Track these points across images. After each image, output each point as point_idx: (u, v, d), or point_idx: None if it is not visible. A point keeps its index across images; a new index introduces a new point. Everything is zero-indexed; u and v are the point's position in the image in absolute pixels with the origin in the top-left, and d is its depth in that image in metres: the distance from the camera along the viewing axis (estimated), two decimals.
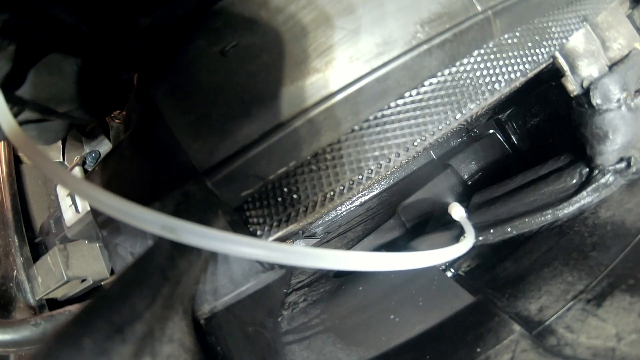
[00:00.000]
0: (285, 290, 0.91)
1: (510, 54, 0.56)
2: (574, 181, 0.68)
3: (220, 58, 0.49)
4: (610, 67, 0.62)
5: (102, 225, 0.51)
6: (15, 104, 0.55)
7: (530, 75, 0.58)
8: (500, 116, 1.01)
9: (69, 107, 0.60)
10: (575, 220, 0.64)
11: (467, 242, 0.63)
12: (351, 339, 0.70)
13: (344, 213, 1.07)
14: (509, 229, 0.70)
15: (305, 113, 0.47)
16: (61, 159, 0.94)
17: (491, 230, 0.71)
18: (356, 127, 0.50)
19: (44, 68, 0.54)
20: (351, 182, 0.51)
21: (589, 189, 0.64)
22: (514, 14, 0.55)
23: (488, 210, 0.77)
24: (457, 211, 0.76)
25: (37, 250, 0.83)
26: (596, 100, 0.60)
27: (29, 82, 0.54)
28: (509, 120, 1.01)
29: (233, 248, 0.34)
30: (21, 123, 0.58)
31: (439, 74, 0.52)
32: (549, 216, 0.67)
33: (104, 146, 0.95)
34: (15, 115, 0.56)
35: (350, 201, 1.06)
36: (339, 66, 0.48)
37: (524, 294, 0.58)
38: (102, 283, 0.79)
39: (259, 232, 0.51)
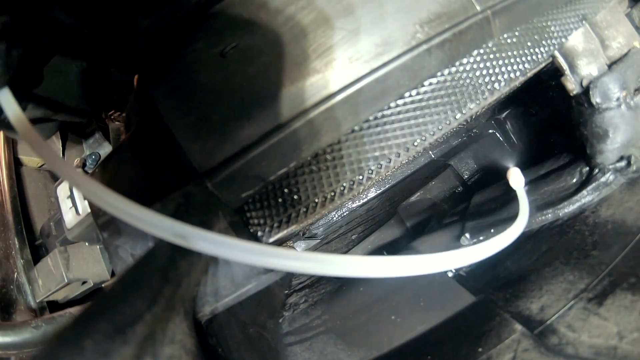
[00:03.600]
0: (286, 292, 0.91)
1: (509, 53, 0.56)
2: (574, 180, 0.68)
3: (220, 59, 0.49)
4: (610, 66, 0.62)
5: (102, 227, 0.51)
6: (32, 102, 0.55)
7: (529, 74, 0.58)
8: (500, 116, 1.01)
9: (69, 105, 0.60)
10: (576, 219, 0.64)
11: (520, 223, 0.51)
12: (352, 340, 0.70)
13: (344, 214, 1.07)
14: None
15: (305, 114, 0.47)
16: None
17: (492, 230, 0.71)
18: (356, 128, 0.50)
19: (49, 69, 0.55)
20: (351, 183, 0.51)
21: (589, 187, 0.64)
22: (513, 14, 0.55)
23: (488, 210, 0.77)
24: (516, 178, 0.61)
25: (37, 253, 0.83)
26: (596, 99, 0.60)
27: (46, 81, 0.54)
28: (509, 119, 1.01)
29: (249, 257, 0.33)
30: None
31: (439, 74, 0.52)
32: (549, 215, 0.67)
33: (104, 148, 0.95)
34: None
35: (350, 202, 1.06)
36: (338, 67, 0.48)
37: (525, 293, 0.58)
38: (103, 285, 0.79)
39: (259, 233, 0.51)
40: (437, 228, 0.88)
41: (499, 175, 0.88)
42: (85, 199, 0.67)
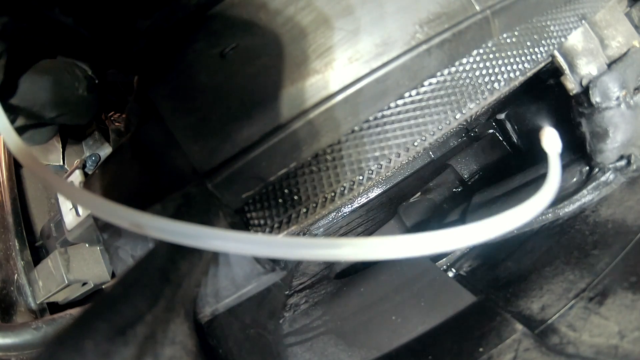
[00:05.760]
0: (286, 292, 0.91)
1: (509, 53, 0.56)
2: (575, 179, 0.68)
3: (220, 60, 0.49)
4: (609, 65, 0.62)
5: (102, 229, 0.51)
6: (10, 112, 0.55)
7: (529, 74, 0.58)
8: (499, 116, 1.01)
9: (61, 111, 0.60)
10: (576, 218, 0.64)
11: (548, 190, 0.45)
12: (353, 340, 0.70)
13: (344, 214, 1.07)
14: None
15: (305, 114, 0.47)
16: (61, 163, 0.94)
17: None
18: (356, 128, 0.50)
19: (37, 75, 0.55)
20: (352, 183, 0.51)
21: (590, 187, 0.64)
22: (513, 14, 0.55)
23: (488, 210, 0.77)
24: (551, 139, 0.53)
25: (37, 254, 0.83)
26: (595, 98, 0.60)
27: (24, 89, 0.54)
28: (509, 119, 1.01)
29: (202, 242, 0.33)
30: (17, 129, 0.59)
31: (439, 74, 0.52)
32: (549, 215, 0.67)
33: (104, 149, 0.95)
34: (11, 122, 0.56)
35: (351, 202, 1.06)
36: (338, 67, 0.48)
37: (525, 293, 0.58)
38: (103, 286, 0.79)
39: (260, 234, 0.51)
40: (437, 228, 0.87)
41: (499, 175, 0.88)
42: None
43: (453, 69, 0.53)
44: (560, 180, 0.47)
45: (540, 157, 0.77)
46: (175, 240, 0.32)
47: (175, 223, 0.33)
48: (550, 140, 0.53)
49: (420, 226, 0.95)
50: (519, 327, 0.53)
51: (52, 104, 0.58)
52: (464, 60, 0.54)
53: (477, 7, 0.53)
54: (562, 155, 0.73)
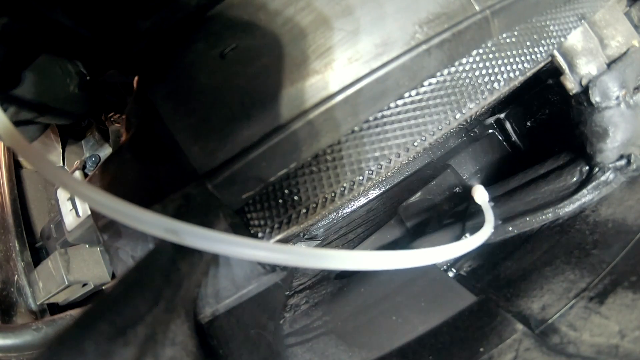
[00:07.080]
0: (287, 293, 0.91)
1: (509, 53, 0.56)
2: (575, 179, 0.68)
3: (220, 61, 0.49)
4: (609, 65, 0.62)
5: (102, 229, 0.51)
6: (5, 105, 0.54)
7: (529, 74, 0.58)
8: (499, 116, 1.01)
9: (50, 106, 0.60)
10: (576, 218, 0.64)
11: (485, 231, 0.57)
12: (353, 341, 0.70)
13: (345, 214, 1.07)
14: (510, 228, 0.70)
15: (305, 115, 0.47)
16: (61, 164, 0.94)
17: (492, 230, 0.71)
18: (356, 128, 0.50)
19: (34, 71, 0.54)
20: (352, 183, 0.51)
21: (590, 187, 0.64)
22: (512, 13, 0.55)
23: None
24: (480, 194, 0.69)
25: (38, 255, 0.83)
26: (595, 98, 0.60)
27: (19, 84, 0.54)
28: (509, 119, 1.01)
29: (236, 250, 0.34)
30: None
31: (438, 74, 0.52)
32: (549, 215, 0.67)
33: (104, 150, 0.95)
34: None
35: (351, 202, 1.06)
36: (338, 67, 0.48)
37: (526, 292, 0.58)
38: (104, 287, 0.79)
39: (260, 234, 0.51)
40: (437, 228, 0.88)
41: (499, 175, 0.88)
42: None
43: (453, 69, 0.53)
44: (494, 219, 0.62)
45: (539, 158, 0.78)
46: (213, 249, 0.33)
47: (214, 232, 0.33)
48: (480, 195, 0.70)
49: (420, 226, 0.95)
50: (520, 326, 0.53)
51: (41, 99, 0.58)
52: (464, 60, 0.54)
53: (477, 7, 0.53)
54: (563, 155, 0.73)
